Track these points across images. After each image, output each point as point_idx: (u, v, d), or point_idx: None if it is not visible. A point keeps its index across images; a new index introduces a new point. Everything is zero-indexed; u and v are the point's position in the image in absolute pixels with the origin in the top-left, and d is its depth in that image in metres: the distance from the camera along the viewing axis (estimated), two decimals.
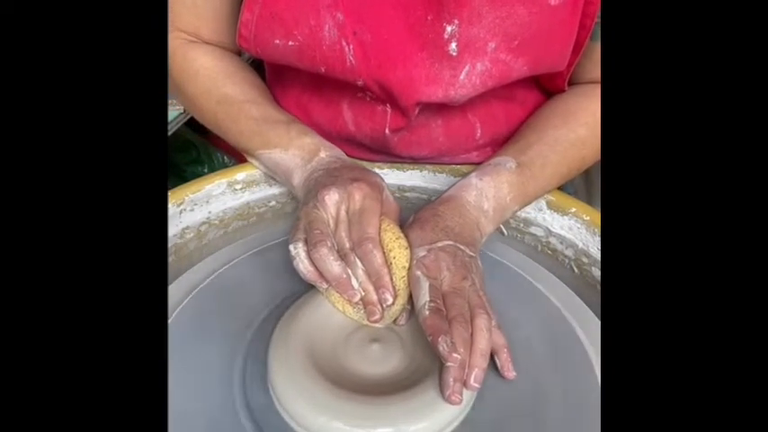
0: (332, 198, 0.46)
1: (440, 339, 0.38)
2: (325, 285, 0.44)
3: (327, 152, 0.55)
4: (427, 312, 0.40)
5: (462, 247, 0.46)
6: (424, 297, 0.41)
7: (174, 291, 0.49)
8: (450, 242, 0.46)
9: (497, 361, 0.42)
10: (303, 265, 0.44)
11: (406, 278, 0.44)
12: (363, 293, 0.44)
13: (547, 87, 0.65)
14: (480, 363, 0.39)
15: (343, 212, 0.46)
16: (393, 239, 0.44)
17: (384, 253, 0.44)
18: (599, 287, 0.54)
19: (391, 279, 0.43)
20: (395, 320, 0.45)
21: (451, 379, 0.37)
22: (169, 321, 0.46)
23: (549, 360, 0.44)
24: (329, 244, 0.44)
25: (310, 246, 0.44)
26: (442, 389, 0.38)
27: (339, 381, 0.40)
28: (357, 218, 0.45)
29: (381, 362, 0.42)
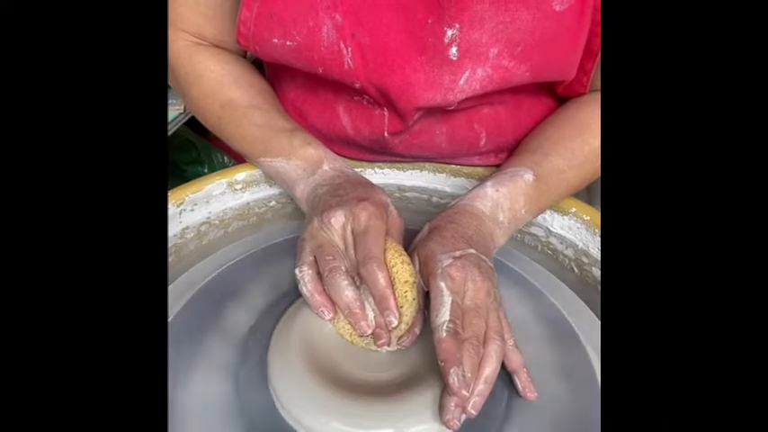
0: (338, 220, 0.45)
1: (452, 371, 0.36)
2: (328, 316, 0.43)
3: (330, 164, 0.54)
4: (444, 334, 0.38)
5: (483, 257, 0.44)
6: (444, 316, 0.39)
7: (174, 291, 0.49)
8: (473, 251, 0.44)
9: (517, 382, 0.41)
10: (307, 289, 0.44)
11: (408, 294, 0.43)
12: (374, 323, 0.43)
13: (564, 96, 0.63)
14: (483, 391, 0.38)
15: (349, 234, 0.45)
16: (396, 256, 0.44)
17: (389, 272, 0.43)
18: (599, 287, 0.54)
19: (396, 299, 0.42)
20: (398, 340, 0.43)
21: (453, 404, 0.36)
22: (169, 321, 0.46)
23: (549, 360, 0.44)
24: (343, 269, 0.44)
25: (325, 272, 0.44)
26: (441, 411, 0.37)
27: (339, 381, 0.40)
28: (362, 238, 0.44)
29: (382, 362, 0.42)
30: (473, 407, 0.37)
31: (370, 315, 0.43)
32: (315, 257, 0.46)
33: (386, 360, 0.43)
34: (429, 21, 0.50)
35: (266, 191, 0.64)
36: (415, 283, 0.43)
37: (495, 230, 0.50)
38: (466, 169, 0.64)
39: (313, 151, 0.55)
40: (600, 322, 0.48)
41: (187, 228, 0.59)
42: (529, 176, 0.53)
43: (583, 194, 0.86)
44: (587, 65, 0.56)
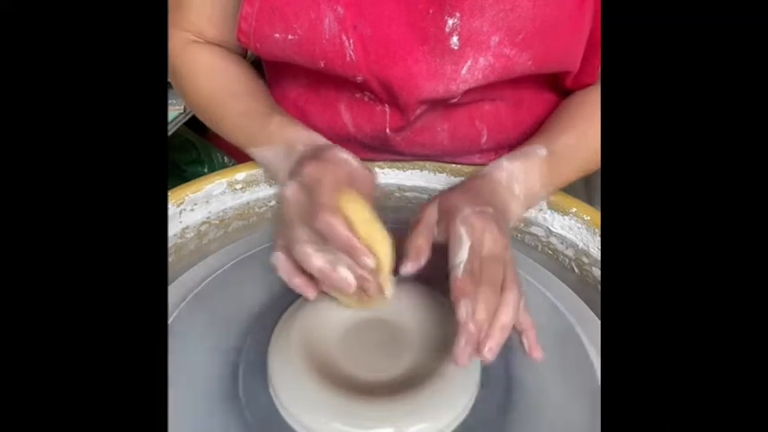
0: (289, 190, 0.43)
1: (462, 303, 0.36)
2: (311, 294, 0.42)
3: (304, 142, 0.52)
4: (460, 273, 0.37)
5: (500, 219, 0.44)
6: (462, 256, 0.38)
7: (175, 291, 0.49)
8: (492, 210, 0.44)
9: (525, 341, 0.41)
10: (284, 275, 0.43)
11: (375, 234, 0.40)
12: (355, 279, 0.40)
13: (573, 88, 0.63)
14: (498, 335, 0.37)
15: (303, 198, 0.43)
16: (349, 201, 0.40)
17: (344, 217, 0.39)
18: (599, 287, 0.54)
19: (359, 240, 0.39)
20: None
21: (463, 341, 0.36)
22: (169, 321, 0.46)
23: (549, 360, 0.44)
24: (305, 238, 0.41)
25: (292, 250, 0.42)
26: (453, 350, 0.36)
27: (339, 381, 0.40)
28: (309, 194, 0.41)
29: (382, 362, 0.42)
30: (489, 350, 0.36)
31: (344, 274, 0.39)
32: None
33: (386, 360, 0.42)
34: (430, 11, 0.51)
35: (266, 191, 0.64)
36: (378, 222, 0.41)
37: (510, 202, 0.50)
38: (467, 169, 0.64)
39: (291, 133, 0.54)
40: (600, 322, 0.48)
41: (187, 228, 0.59)
42: (542, 152, 0.54)
43: (583, 194, 0.86)
44: (593, 60, 0.57)
